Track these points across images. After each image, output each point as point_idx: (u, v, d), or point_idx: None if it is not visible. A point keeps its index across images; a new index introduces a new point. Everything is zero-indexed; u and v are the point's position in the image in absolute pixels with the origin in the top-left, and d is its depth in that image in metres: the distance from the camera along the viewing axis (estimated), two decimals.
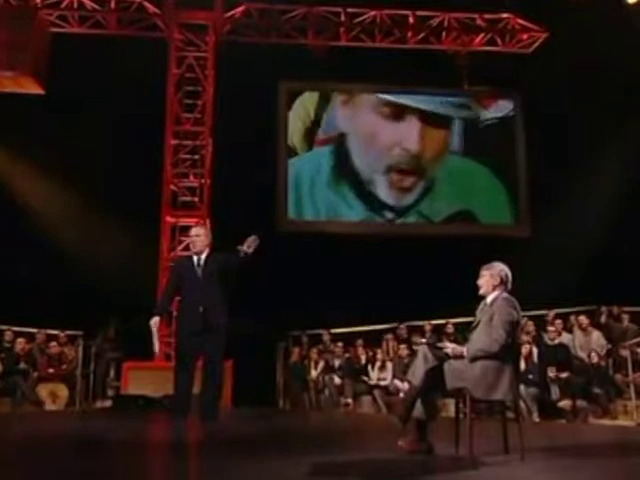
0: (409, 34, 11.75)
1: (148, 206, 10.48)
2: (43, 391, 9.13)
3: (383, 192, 11.13)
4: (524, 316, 7.25)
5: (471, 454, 3.85)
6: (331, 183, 11.12)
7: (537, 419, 7.92)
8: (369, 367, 9.61)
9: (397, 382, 9.05)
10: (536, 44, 11.79)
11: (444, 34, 11.79)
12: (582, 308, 9.61)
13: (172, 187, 10.86)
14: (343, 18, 11.63)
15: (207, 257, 5.72)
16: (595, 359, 8.46)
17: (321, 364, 9.85)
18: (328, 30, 11.62)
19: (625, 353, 8.36)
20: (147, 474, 3.71)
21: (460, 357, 4.12)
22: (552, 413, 8.07)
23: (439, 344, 4.66)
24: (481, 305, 4.26)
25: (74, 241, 10.59)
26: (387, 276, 10.28)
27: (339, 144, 11.26)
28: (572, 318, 9.45)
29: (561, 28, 10.76)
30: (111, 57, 10.30)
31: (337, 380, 9.62)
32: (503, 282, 4.20)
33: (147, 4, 11.22)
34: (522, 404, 7.37)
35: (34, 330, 9.69)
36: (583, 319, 9.07)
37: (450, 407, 6.73)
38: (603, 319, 9.46)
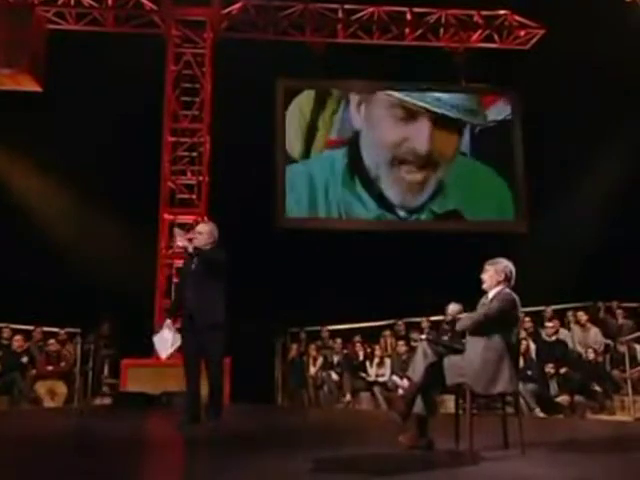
0: (407, 31, 11.75)
1: (146, 203, 10.45)
2: (41, 388, 9.12)
3: (389, 188, 11.13)
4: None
5: (471, 449, 3.87)
6: (345, 183, 11.12)
7: (540, 414, 7.94)
8: (367, 363, 9.62)
9: (396, 378, 9.08)
10: (533, 41, 11.80)
11: (441, 31, 11.79)
12: (579, 304, 9.65)
13: (170, 184, 10.84)
14: (341, 15, 11.61)
15: (196, 254, 5.66)
16: (592, 355, 8.50)
17: (319, 360, 9.87)
18: (326, 27, 11.61)
19: (622, 349, 8.40)
20: (147, 472, 3.72)
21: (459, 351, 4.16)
22: (550, 409, 8.10)
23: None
24: (483, 299, 4.30)
25: (72, 239, 10.57)
26: (385, 272, 10.29)
27: (353, 143, 11.25)
28: (570, 314, 9.49)
29: (558, 25, 10.77)
30: (108, 54, 10.27)
31: (335, 376, 9.63)
32: (507, 278, 4.25)
33: (144, 1, 11.19)
34: (521, 400, 7.40)
35: (32, 328, 9.68)
36: (582, 315, 9.11)
37: (449, 403, 6.75)
38: (601, 314, 9.49)
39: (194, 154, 11.00)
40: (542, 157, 10.94)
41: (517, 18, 11.80)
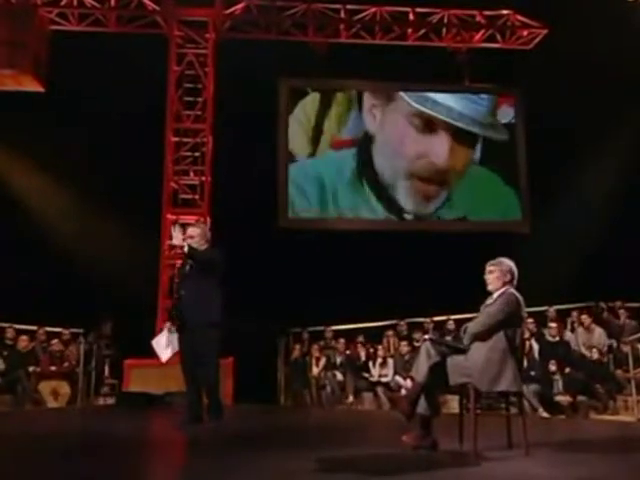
0: (409, 31, 11.75)
1: (149, 203, 10.47)
2: (45, 389, 9.13)
3: (403, 198, 11.11)
4: None
5: (475, 449, 3.87)
6: (353, 184, 11.10)
7: (544, 414, 7.93)
8: (370, 364, 9.62)
9: (399, 379, 9.08)
10: (536, 40, 11.79)
11: (444, 31, 11.79)
12: (582, 304, 9.64)
13: (173, 184, 10.85)
14: (343, 15, 11.61)
15: (189, 254, 5.64)
16: (596, 355, 8.49)
17: (322, 361, 9.86)
18: (328, 27, 11.61)
19: (626, 349, 8.39)
20: (149, 472, 3.72)
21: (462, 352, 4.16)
22: (553, 409, 8.09)
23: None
24: (488, 300, 4.30)
25: (75, 239, 10.59)
26: (388, 272, 10.29)
27: (363, 146, 11.21)
28: (574, 315, 9.48)
29: (561, 25, 10.76)
30: (111, 55, 10.29)
31: (340, 376, 9.63)
32: (512, 278, 4.26)
33: (147, 1, 11.20)
34: (525, 400, 7.39)
35: (35, 328, 9.69)
36: (585, 318, 9.08)
37: (452, 403, 6.75)
38: (604, 314, 9.48)
39: (197, 154, 11.01)
40: (544, 157, 10.92)
41: (520, 18, 11.79)
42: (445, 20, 11.76)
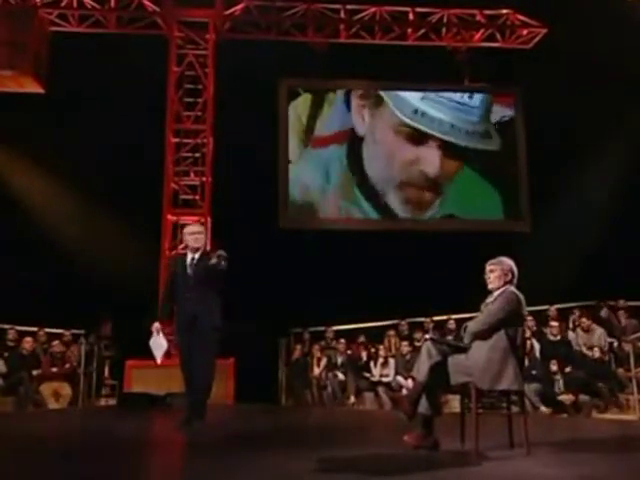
0: (409, 30, 11.75)
1: (149, 204, 10.47)
2: (46, 390, 9.12)
3: (398, 206, 11.12)
4: None
5: (477, 449, 3.87)
6: (344, 186, 11.09)
7: (545, 410, 7.93)
8: (371, 364, 9.62)
9: (400, 379, 9.08)
10: (536, 39, 11.79)
11: (444, 30, 11.79)
12: (582, 303, 9.63)
13: (173, 185, 10.85)
14: (343, 15, 11.61)
15: (200, 256, 5.65)
16: (597, 354, 8.48)
17: (323, 361, 9.86)
18: (328, 27, 11.61)
19: (627, 347, 8.39)
20: (151, 472, 3.72)
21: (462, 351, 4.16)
22: (555, 408, 8.09)
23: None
24: (488, 299, 4.30)
25: (75, 240, 10.59)
26: (388, 272, 10.29)
27: (351, 145, 11.20)
28: (574, 316, 9.47)
29: (561, 24, 10.76)
30: (111, 56, 10.29)
31: (340, 376, 9.63)
32: (513, 277, 4.27)
33: (146, 2, 11.20)
34: (526, 399, 7.39)
35: (36, 329, 9.69)
36: (585, 320, 9.07)
37: (453, 403, 6.74)
38: (604, 313, 9.47)
39: (197, 155, 11.02)
40: (544, 156, 10.92)
41: (519, 17, 11.79)
42: (445, 20, 11.76)
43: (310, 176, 11.15)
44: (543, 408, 8.05)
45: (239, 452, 4.26)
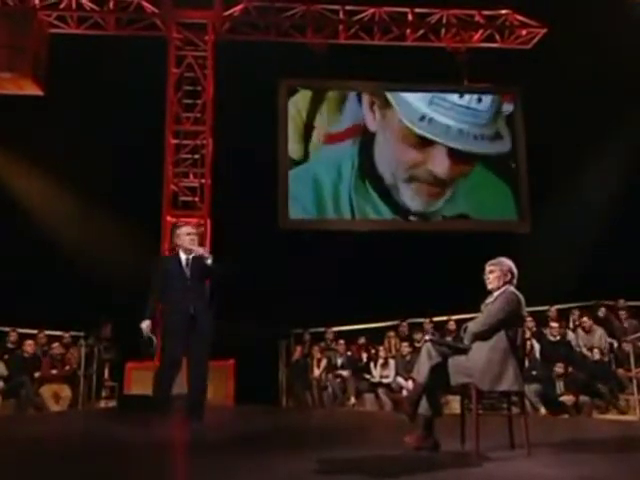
0: (408, 31, 11.75)
1: (149, 206, 10.47)
2: (46, 392, 9.11)
3: (409, 199, 11.09)
4: None
5: (477, 450, 3.86)
6: (355, 183, 11.09)
7: (546, 414, 7.92)
8: (371, 365, 9.61)
9: (400, 380, 9.07)
10: (535, 40, 11.78)
11: (443, 31, 11.79)
12: (582, 303, 9.63)
13: (173, 187, 10.85)
14: (342, 16, 11.61)
15: (194, 257, 5.66)
16: (597, 355, 8.47)
17: (323, 362, 9.85)
18: (327, 28, 11.61)
19: (627, 348, 8.38)
20: (152, 474, 3.71)
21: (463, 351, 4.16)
22: (555, 409, 8.08)
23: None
24: (487, 300, 4.30)
25: (75, 241, 10.58)
26: (388, 273, 10.29)
27: (364, 140, 11.18)
28: (575, 317, 9.46)
29: (560, 24, 10.76)
30: (110, 57, 10.30)
31: (344, 373, 9.61)
32: (512, 278, 4.26)
33: (145, 4, 11.20)
34: (526, 400, 7.39)
35: (36, 331, 9.68)
36: (585, 320, 9.07)
37: (454, 404, 6.74)
38: (602, 313, 9.47)
39: (197, 156, 11.01)
40: (544, 156, 10.92)
41: (518, 17, 11.78)
42: (444, 20, 11.76)
43: (320, 173, 11.12)
44: (543, 409, 8.04)
45: (239, 453, 4.26)
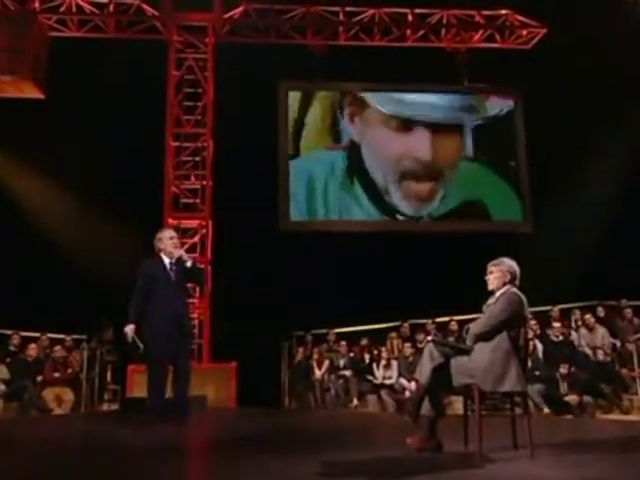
0: (408, 32, 11.75)
1: (150, 208, 10.47)
2: (48, 395, 9.11)
3: (400, 202, 11.10)
4: None
5: (480, 451, 3.85)
6: (345, 185, 11.09)
7: (549, 414, 7.90)
8: (374, 366, 9.60)
9: (403, 381, 9.06)
10: (535, 40, 11.78)
11: (443, 31, 11.78)
12: (584, 303, 9.61)
13: (174, 189, 10.85)
14: (342, 17, 11.62)
15: (176, 261, 5.78)
16: (601, 356, 8.45)
17: (326, 363, 9.85)
18: (327, 29, 11.61)
19: (630, 347, 8.37)
20: (153, 476, 3.71)
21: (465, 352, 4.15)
22: (559, 409, 8.06)
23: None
24: (489, 300, 4.29)
25: (76, 244, 10.58)
26: (390, 274, 10.28)
27: (352, 153, 11.22)
28: (577, 313, 9.45)
29: (561, 24, 10.76)
30: (110, 60, 10.30)
31: (348, 373, 9.60)
32: (513, 278, 4.25)
33: (145, 6, 11.22)
34: (529, 401, 7.37)
35: (38, 335, 9.69)
36: (589, 317, 9.06)
37: (457, 405, 6.73)
38: (601, 313, 9.46)
39: (197, 158, 11.02)
40: (545, 156, 10.91)
41: (518, 17, 11.79)
42: (444, 21, 11.76)
43: (311, 174, 11.12)
44: (547, 409, 8.02)
45: (241, 455, 4.25)
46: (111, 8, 11.21)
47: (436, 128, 11.27)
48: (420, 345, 9.12)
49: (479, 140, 11.35)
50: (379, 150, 11.23)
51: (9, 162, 10.89)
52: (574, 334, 9.11)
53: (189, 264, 5.71)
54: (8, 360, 9.04)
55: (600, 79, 10.32)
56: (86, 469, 3.78)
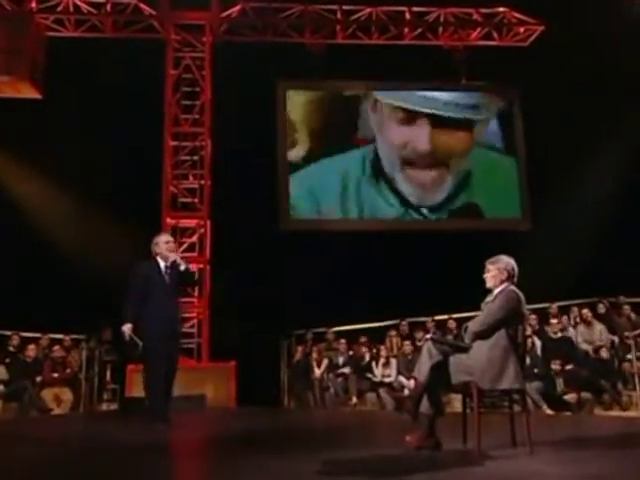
0: (406, 30, 11.75)
1: (148, 208, 10.46)
2: (47, 395, 9.11)
3: (404, 189, 11.17)
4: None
5: (479, 448, 3.85)
6: (368, 183, 11.15)
7: (548, 411, 7.90)
8: (373, 364, 9.60)
9: (402, 379, 9.06)
10: (532, 37, 11.79)
11: (441, 29, 11.78)
12: (583, 300, 9.62)
13: (172, 188, 10.84)
14: (339, 16, 11.62)
15: (171, 264, 5.95)
16: (605, 354, 8.44)
17: (325, 362, 9.85)
18: (324, 28, 11.61)
19: (629, 343, 8.37)
20: (152, 476, 3.71)
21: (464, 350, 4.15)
22: (557, 406, 8.07)
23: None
24: (487, 298, 4.29)
25: (74, 243, 10.57)
26: (388, 272, 10.28)
27: (373, 145, 11.34)
28: (575, 310, 9.46)
29: (558, 21, 10.76)
30: (108, 60, 10.29)
31: (342, 377, 9.60)
32: (510, 276, 4.25)
33: (143, 5, 11.21)
34: (528, 398, 7.38)
35: (38, 335, 9.68)
36: (586, 312, 9.07)
37: (456, 403, 6.73)
38: (602, 310, 9.46)
39: (196, 158, 11.01)
40: (544, 153, 10.91)
41: (516, 15, 11.79)
42: (441, 19, 11.76)
43: (325, 173, 11.16)
44: (545, 406, 8.02)
45: (241, 454, 4.25)
46: (108, 8, 11.20)
47: (437, 121, 11.32)
48: (419, 343, 9.12)
49: (499, 133, 11.44)
50: (386, 138, 11.33)
51: (7, 162, 10.87)
52: (572, 330, 9.10)
53: (183, 268, 5.91)
54: (7, 361, 9.03)
55: (598, 77, 10.31)
56: (86, 469, 3.78)
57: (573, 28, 9.94)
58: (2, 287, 9.44)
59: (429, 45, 11.76)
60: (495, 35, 11.88)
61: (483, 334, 4.09)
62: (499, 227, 11.05)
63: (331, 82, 11.46)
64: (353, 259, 10.28)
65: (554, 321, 8.99)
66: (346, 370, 9.65)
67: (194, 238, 10.71)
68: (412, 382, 4.28)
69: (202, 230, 10.70)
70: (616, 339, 8.97)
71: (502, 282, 4.23)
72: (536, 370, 8.23)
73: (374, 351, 9.76)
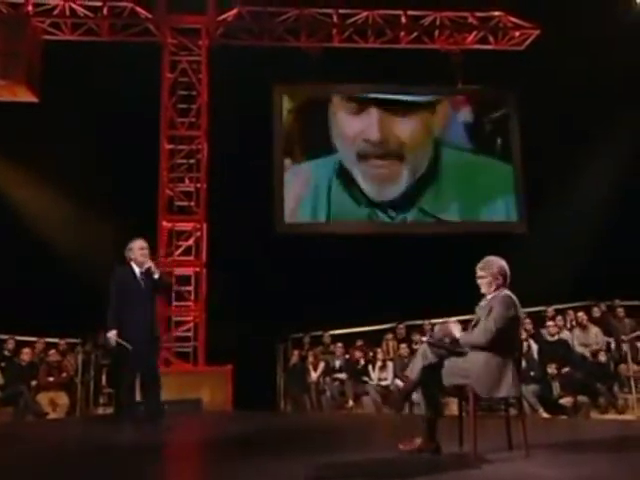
0: (402, 34, 11.77)
1: (144, 211, 10.45)
2: (42, 400, 9.07)
3: (363, 184, 11.12)
4: None
5: (475, 452, 3.86)
6: (341, 185, 11.13)
7: (544, 414, 7.91)
8: (369, 367, 9.59)
9: (398, 382, 9.05)
10: (528, 41, 11.82)
11: (436, 33, 11.81)
12: (579, 304, 9.64)
13: (168, 192, 10.84)
14: (335, 19, 11.64)
15: (145, 271, 6.08)
16: (603, 358, 8.46)
17: (321, 365, 9.84)
18: (321, 32, 11.62)
19: (625, 347, 8.39)
20: (151, 478, 3.71)
21: (459, 354, 4.14)
22: (554, 409, 8.08)
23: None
24: (482, 302, 4.28)
25: (70, 247, 10.55)
26: (385, 276, 10.28)
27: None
28: (571, 313, 9.48)
29: (554, 25, 10.80)
30: (104, 64, 10.29)
31: (342, 376, 9.59)
32: (505, 280, 4.22)
33: (139, 9, 11.21)
34: (524, 401, 7.38)
35: (34, 339, 9.65)
36: (582, 315, 9.10)
37: (453, 406, 6.73)
38: (597, 313, 9.49)
39: (192, 161, 11.00)
40: (540, 157, 10.94)
41: (511, 19, 11.82)
42: (437, 22, 11.79)
43: (308, 177, 11.15)
44: (541, 410, 8.03)
45: (238, 457, 4.25)
46: (105, 11, 11.20)
47: (386, 107, 11.28)
48: (416, 346, 9.12)
49: (477, 134, 11.39)
50: (341, 134, 11.27)
51: (5, 165, 10.85)
52: (567, 333, 9.12)
53: (156, 276, 6.03)
54: (2, 365, 9.01)
55: (593, 81, 10.36)
56: (83, 472, 3.77)
57: (568, 32, 9.98)
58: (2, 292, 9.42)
59: (425, 49, 11.78)
60: (491, 39, 11.91)
61: (487, 345, 4.02)
62: (495, 230, 11.05)
63: (328, 85, 11.45)
64: (349, 262, 10.27)
65: (550, 323, 9.00)
66: (342, 376, 9.63)
67: (190, 241, 10.70)
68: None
69: (198, 233, 10.70)
70: (612, 341, 8.99)
71: (497, 288, 4.20)
72: (532, 373, 8.24)
73: (370, 354, 9.76)
